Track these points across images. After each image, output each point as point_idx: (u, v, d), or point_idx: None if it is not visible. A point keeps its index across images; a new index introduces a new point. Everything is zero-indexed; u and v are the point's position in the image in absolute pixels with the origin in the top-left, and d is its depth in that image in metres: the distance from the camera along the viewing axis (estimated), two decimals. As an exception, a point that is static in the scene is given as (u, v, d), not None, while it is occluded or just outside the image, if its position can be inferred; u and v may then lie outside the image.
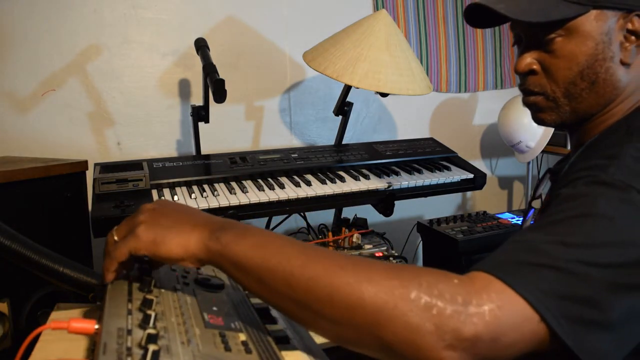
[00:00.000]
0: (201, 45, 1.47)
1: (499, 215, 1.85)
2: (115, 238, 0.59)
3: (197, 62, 1.56)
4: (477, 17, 0.80)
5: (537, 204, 0.92)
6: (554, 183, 0.83)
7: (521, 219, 1.82)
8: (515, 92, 2.36)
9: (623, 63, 0.70)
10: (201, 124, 1.53)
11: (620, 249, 0.53)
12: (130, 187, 1.25)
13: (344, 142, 1.79)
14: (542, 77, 0.75)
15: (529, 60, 0.75)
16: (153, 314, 0.50)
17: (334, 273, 0.50)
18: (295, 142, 2.10)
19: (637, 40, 0.70)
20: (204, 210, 1.22)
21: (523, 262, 0.52)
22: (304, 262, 0.52)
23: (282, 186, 1.36)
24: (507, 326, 0.48)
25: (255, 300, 0.68)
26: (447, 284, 0.49)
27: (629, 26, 0.69)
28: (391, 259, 1.51)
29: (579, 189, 0.59)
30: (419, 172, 1.56)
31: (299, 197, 1.32)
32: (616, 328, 0.51)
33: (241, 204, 1.26)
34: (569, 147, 2.02)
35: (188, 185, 1.35)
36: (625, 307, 0.52)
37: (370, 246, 1.54)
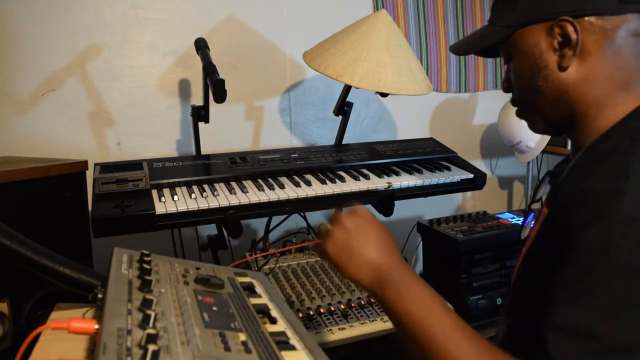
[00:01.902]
0: (201, 45, 1.47)
1: (499, 215, 1.85)
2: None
3: (197, 62, 1.56)
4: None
5: (536, 206, 0.92)
6: (553, 186, 0.83)
7: (521, 219, 1.81)
8: (515, 92, 2.36)
9: (562, 68, 0.73)
10: (201, 124, 1.53)
11: None
12: (130, 187, 1.25)
13: (344, 142, 1.79)
14: (514, 92, 0.83)
15: (505, 77, 0.84)
16: (153, 314, 0.50)
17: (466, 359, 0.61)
18: (295, 142, 2.10)
19: (570, 43, 0.71)
20: (204, 210, 1.22)
21: (585, 352, 0.56)
22: (446, 338, 0.62)
23: (282, 186, 1.36)
24: None
25: (255, 301, 0.68)
26: None
27: (556, 32, 0.72)
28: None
29: (602, 233, 0.59)
30: (419, 172, 1.56)
31: (299, 197, 1.32)
32: None
33: (241, 204, 1.26)
34: (569, 147, 2.02)
35: (188, 185, 1.34)
36: None
37: (370, 246, 1.53)
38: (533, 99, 0.78)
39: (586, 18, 0.70)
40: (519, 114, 0.84)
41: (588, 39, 0.70)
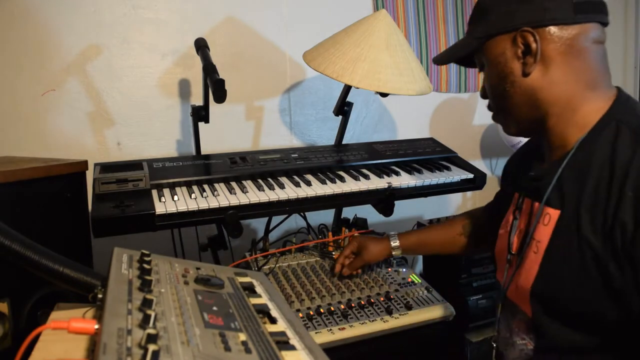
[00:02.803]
0: (201, 45, 1.47)
1: (499, 215, 1.84)
2: None
3: (197, 62, 1.56)
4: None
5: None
6: (536, 190, 0.88)
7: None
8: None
9: (526, 73, 0.81)
10: (201, 124, 1.53)
11: None
12: (130, 187, 1.25)
13: (344, 142, 1.79)
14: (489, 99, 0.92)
15: (482, 85, 0.92)
16: (153, 314, 0.50)
17: None
18: (295, 142, 2.10)
19: (531, 52, 0.79)
20: (203, 210, 1.22)
21: None
22: None
23: (282, 186, 1.36)
24: None
25: (255, 301, 0.68)
26: None
27: (519, 42, 0.80)
28: (391, 258, 1.51)
29: None
30: (419, 172, 1.56)
31: (299, 197, 1.32)
32: None
33: (241, 204, 1.26)
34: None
35: (188, 185, 1.34)
36: None
37: (370, 246, 1.53)
38: (504, 103, 0.86)
39: (546, 29, 0.78)
40: (494, 118, 0.92)
41: (548, 47, 0.79)
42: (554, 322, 0.81)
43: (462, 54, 0.90)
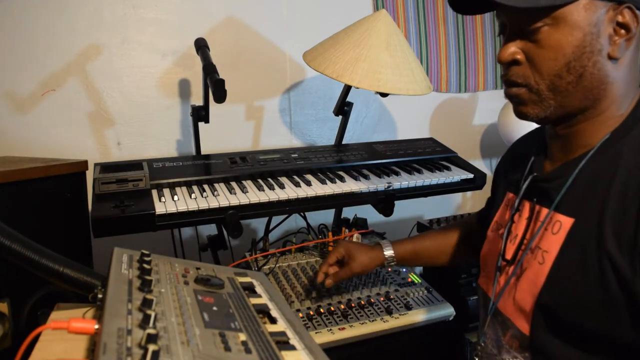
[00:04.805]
0: (201, 45, 1.47)
1: (499, 215, 1.84)
2: None
3: (197, 62, 1.56)
4: (463, 2, 0.78)
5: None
6: (542, 192, 0.77)
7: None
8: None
9: (611, 57, 0.68)
10: (201, 124, 1.53)
11: None
12: (130, 187, 1.25)
13: (344, 142, 1.79)
14: (526, 68, 0.71)
15: (513, 49, 0.71)
16: (153, 314, 0.50)
17: None
18: (295, 142, 2.10)
19: (627, 34, 0.67)
20: (203, 210, 1.22)
21: None
22: None
23: (282, 186, 1.36)
24: None
25: (255, 301, 0.68)
26: None
27: (619, 18, 0.66)
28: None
29: None
30: (419, 172, 1.56)
31: (299, 197, 1.32)
32: None
33: (241, 204, 1.26)
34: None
35: (188, 185, 1.35)
36: None
37: (370, 246, 1.54)
38: (567, 81, 0.69)
39: None
40: (517, 93, 0.73)
41: (637, 33, 0.68)
42: (556, 339, 0.72)
43: (544, 5, 0.66)
